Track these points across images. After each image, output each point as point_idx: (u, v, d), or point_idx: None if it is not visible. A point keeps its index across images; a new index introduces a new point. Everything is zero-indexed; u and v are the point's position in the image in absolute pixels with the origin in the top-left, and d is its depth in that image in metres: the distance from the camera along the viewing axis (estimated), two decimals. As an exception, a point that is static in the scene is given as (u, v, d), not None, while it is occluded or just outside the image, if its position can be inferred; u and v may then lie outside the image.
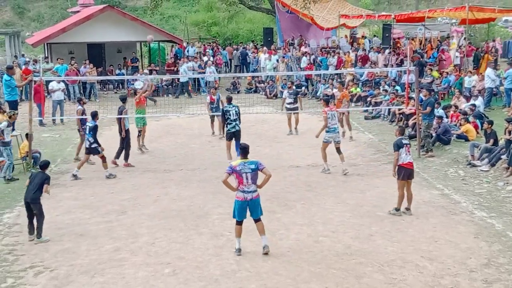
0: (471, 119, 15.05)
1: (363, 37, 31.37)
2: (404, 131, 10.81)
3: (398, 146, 9.96)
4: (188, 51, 28.72)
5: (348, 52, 26.40)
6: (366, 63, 24.44)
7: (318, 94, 22.71)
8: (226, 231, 9.25)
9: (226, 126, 13.44)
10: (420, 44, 26.94)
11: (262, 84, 25.52)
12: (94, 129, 12.69)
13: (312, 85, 24.67)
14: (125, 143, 13.73)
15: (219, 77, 24.95)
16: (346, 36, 31.08)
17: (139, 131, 14.94)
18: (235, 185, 8.31)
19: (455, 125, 15.14)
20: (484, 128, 13.94)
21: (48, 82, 18.64)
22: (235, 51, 30.26)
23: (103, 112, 14.60)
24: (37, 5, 46.73)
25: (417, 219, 9.82)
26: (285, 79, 21.48)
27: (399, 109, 17.28)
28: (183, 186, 12.10)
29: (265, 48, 28.24)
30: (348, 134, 16.09)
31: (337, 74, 23.51)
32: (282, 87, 21.56)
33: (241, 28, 39.49)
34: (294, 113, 16.86)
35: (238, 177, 8.23)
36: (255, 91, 25.44)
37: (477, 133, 14.58)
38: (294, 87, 17.73)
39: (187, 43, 30.79)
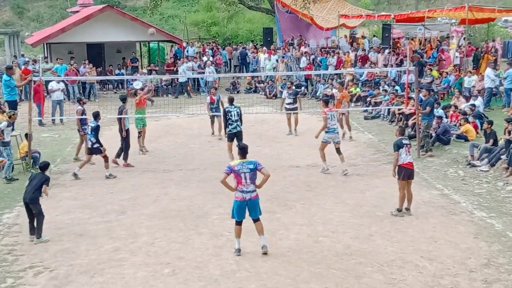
0: (470, 119, 15.05)
1: (363, 37, 31.37)
2: (405, 131, 10.81)
3: (398, 146, 9.96)
4: (187, 51, 28.71)
5: (348, 52, 26.41)
6: (365, 63, 24.44)
7: (317, 94, 22.72)
8: (225, 231, 9.24)
9: (228, 127, 13.39)
10: (420, 44, 26.95)
11: (262, 84, 25.52)
12: (96, 129, 12.70)
13: (312, 85, 24.68)
14: (124, 143, 13.73)
15: (218, 77, 24.96)
16: (345, 36, 31.08)
17: (139, 132, 14.93)
18: (234, 185, 8.31)
19: (455, 125, 15.14)
20: (483, 128, 13.94)
21: (47, 82, 18.65)
22: (234, 51, 30.26)
23: (103, 112, 14.57)
24: (37, 5, 46.69)
25: (417, 219, 9.82)
26: (284, 79, 21.48)
27: (399, 109, 17.28)
28: (183, 186, 12.10)
29: (264, 48, 28.23)
30: (348, 134, 16.09)
31: (336, 74, 23.51)
32: (281, 87, 21.55)
33: (241, 28, 39.48)
34: (293, 113, 16.85)
35: (237, 177, 8.23)
36: (255, 91, 25.44)
37: (477, 133, 14.58)
38: (293, 87, 17.72)
39: (187, 43, 30.78)
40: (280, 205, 10.62)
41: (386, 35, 26.40)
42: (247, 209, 8.33)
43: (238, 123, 13.36)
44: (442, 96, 19.96)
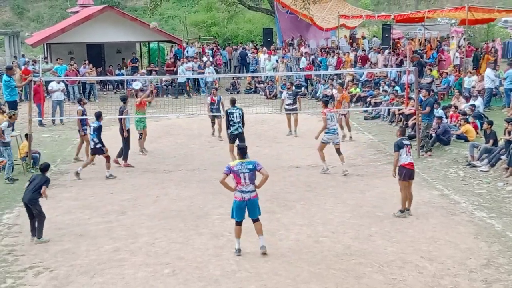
0: (470, 119, 15.05)
1: (363, 37, 31.39)
2: (405, 131, 10.81)
3: (398, 147, 9.96)
4: (187, 51, 28.71)
5: (348, 52, 26.42)
6: (365, 63, 24.45)
7: (317, 94, 22.72)
8: (226, 231, 9.24)
9: (229, 128, 13.35)
10: (420, 44, 26.95)
11: (262, 85, 25.52)
12: (99, 130, 12.71)
13: (312, 85, 24.68)
14: (125, 143, 13.73)
15: (218, 78, 24.96)
16: (345, 37, 31.09)
17: (140, 134, 14.92)
18: (233, 185, 8.32)
19: (455, 125, 15.14)
20: (483, 128, 13.94)
21: (47, 82, 18.63)
22: (234, 52, 30.26)
23: (103, 113, 14.56)
24: (37, 5, 46.68)
25: (417, 219, 9.82)
26: (284, 80, 21.48)
27: (399, 110, 17.29)
28: (183, 186, 12.10)
29: (264, 48, 28.24)
30: (348, 135, 16.09)
31: (336, 74, 23.52)
32: (281, 88, 21.55)
33: (241, 28, 39.49)
34: (293, 114, 16.85)
35: (236, 177, 8.24)
36: (255, 92, 25.44)
37: (477, 133, 14.58)
38: (293, 88, 17.71)
39: (187, 43, 30.78)
40: (280, 206, 10.62)
41: (386, 35, 26.41)
42: (246, 209, 8.33)
43: (240, 124, 13.30)
44: (442, 96, 19.96)
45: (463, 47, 23.04)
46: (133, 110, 15.14)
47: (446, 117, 15.52)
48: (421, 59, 22.46)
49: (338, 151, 12.77)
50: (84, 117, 13.93)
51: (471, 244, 8.74)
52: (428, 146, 14.09)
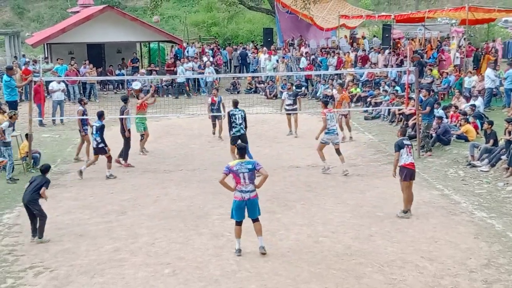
0: (471, 119, 15.05)
1: (363, 37, 31.39)
2: (406, 132, 10.81)
3: (399, 147, 9.95)
4: (188, 51, 28.72)
5: (348, 52, 26.41)
6: (366, 63, 24.45)
7: (318, 94, 22.72)
8: (226, 231, 9.24)
9: (231, 130, 13.32)
10: (420, 44, 26.95)
11: (262, 85, 25.52)
12: (101, 129, 12.71)
13: (312, 85, 24.68)
14: (125, 143, 13.73)
15: (218, 78, 24.95)
16: (346, 37, 31.08)
17: (141, 135, 14.90)
18: (233, 185, 8.32)
19: (455, 125, 15.14)
20: (484, 128, 13.94)
21: (48, 82, 18.63)
22: (234, 52, 30.27)
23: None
24: (37, 6, 46.68)
25: (417, 219, 9.82)
26: (285, 80, 21.48)
27: (399, 110, 17.29)
28: (183, 186, 12.10)
29: (265, 48, 28.23)
30: (348, 135, 16.08)
31: (337, 74, 23.51)
32: (282, 88, 21.55)
33: (241, 28, 39.48)
34: (293, 114, 16.84)
35: (236, 177, 8.24)
36: (255, 92, 25.44)
37: (477, 133, 14.58)
38: (294, 88, 17.69)
39: (187, 43, 30.79)
40: (280, 206, 10.62)
41: (386, 35, 26.41)
42: (246, 209, 8.33)
43: (242, 126, 13.25)
44: (442, 96, 19.96)
45: (464, 47, 23.05)
46: (133, 111, 15.14)
47: (447, 117, 15.52)
48: (421, 59, 22.46)
49: (337, 151, 12.77)
50: (84, 117, 13.93)
51: (471, 244, 8.74)
52: (428, 146, 14.10)
